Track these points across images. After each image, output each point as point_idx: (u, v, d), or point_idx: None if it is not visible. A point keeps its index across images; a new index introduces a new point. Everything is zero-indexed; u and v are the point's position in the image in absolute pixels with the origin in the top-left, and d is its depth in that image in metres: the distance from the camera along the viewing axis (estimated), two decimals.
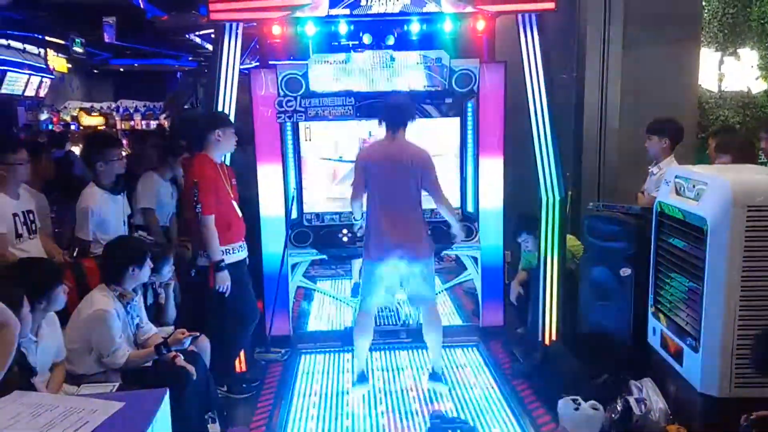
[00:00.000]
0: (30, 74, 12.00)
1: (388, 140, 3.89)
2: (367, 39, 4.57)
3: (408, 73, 4.59)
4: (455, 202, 4.78)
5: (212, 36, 5.36)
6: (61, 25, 11.18)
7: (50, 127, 13.99)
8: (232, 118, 4.37)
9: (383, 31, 4.56)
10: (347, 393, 4.16)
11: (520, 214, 4.87)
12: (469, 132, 4.74)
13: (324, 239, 4.82)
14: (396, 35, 4.58)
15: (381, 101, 4.26)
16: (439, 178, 3.91)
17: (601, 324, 4.22)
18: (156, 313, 3.96)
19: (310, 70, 4.57)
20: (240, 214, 4.15)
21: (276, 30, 4.47)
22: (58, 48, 12.59)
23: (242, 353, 4.43)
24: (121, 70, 16.67)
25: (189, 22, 10.40)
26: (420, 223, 3.91)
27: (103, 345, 3.23)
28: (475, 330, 5.11)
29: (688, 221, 3.32)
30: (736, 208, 3.05)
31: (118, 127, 14.93)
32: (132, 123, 16.15)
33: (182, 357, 3.41)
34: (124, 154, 4.87)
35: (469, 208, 4.84)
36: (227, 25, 4.40)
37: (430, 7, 4.39)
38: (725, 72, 7.67)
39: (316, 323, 5.55)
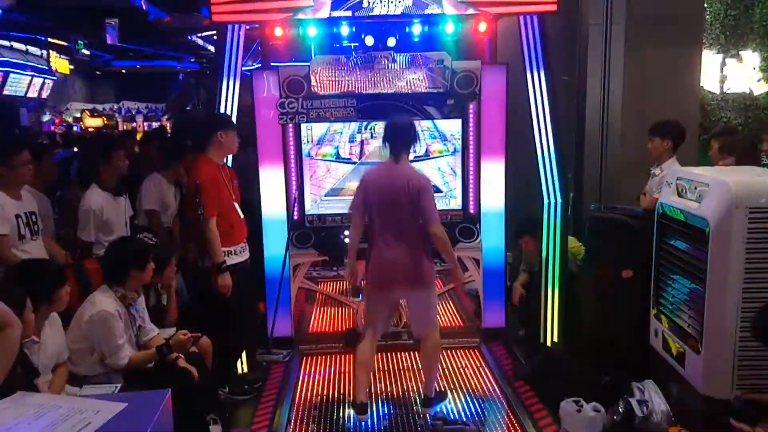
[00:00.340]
0: (32, 76, 12.05)
1: (392, 165, 3.73)
2: (369, 41, 4.57)
3: (410, 75, 4.59)
4: (457, 203, 4.80)
5: (214, 38, 5.38)
6: (64, 27, 11.22)
7: (52, 128, 14.03)
8: (234, 119, 4.38)
9: (385, 33, 4.57)
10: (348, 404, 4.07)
11: (522, 215, 4.87)
12: (471, 133, 4.75)
13: (325, 240, 4.82)
14: (398, 37, 4.58)
15: (377, 106, 4.15)
16: (440, 179, 3.88)
17: (602, 325, 4.22)
18: (158, 315, 3.97)
19: (312, 72, 4.57)
20: (242, 216, 4.16)
21: (278, 32, 4.47)
22: (60, 50, 12.64)
23: (244, 354, 4.44)
24: (124, 71, 16.73)
25: (191, 24, 10.44)
26: (420, 250, 3.72)
27: (105, 346, 3.24)
28: (477, 331, 5.11)
29: (690, 223, 3.32)
30: (738, 210, 3.05)
31: (120, 128, 14.98)
32: (134, 124, 16.20)
33: (184, 358, 3.41)
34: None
35: (471, 209, 4.84)
36: (229, 26, 4.41)
37: (432, 9, 4.39)
38: (727, 74, 7.68)
39: (317, 324, 5.55)
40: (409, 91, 4.60)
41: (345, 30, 4.52)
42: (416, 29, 4.52)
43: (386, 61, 4.57)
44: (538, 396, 4.08)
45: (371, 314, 3.87)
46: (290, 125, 4.66)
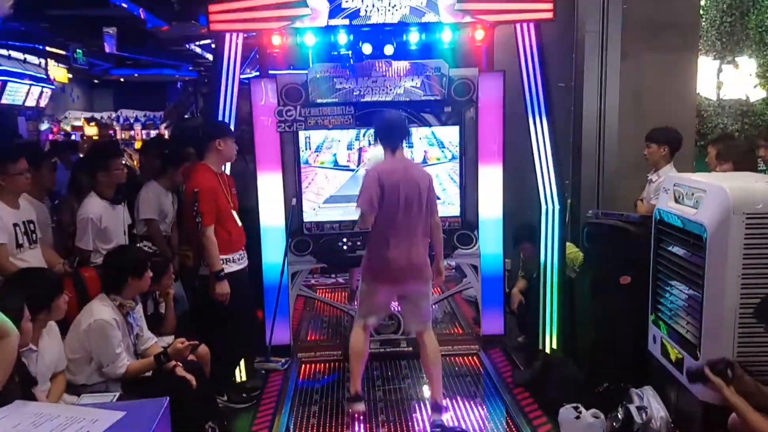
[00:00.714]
0: (31, 84, 12.04)
1: (394, 159, 3.75)
2: (366, 49, 4.59)
3: (407, 83, 4.61)
4: (455, 210, 4.81)
5: (212, 46, 5.39)
6: (62, 36, 11.23)
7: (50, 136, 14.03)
8: (232, 127, 4.39)
9: (382, 41, 4.58)
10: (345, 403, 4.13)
11: (520, 222, 4.88)
12: (469, 140, 4.76)
13: (324, 248, 4.82)
14: (395, 45, 4.60)
15: (376, 114, 4.14)
16: (438, 186, 3.90)
17: (601, 332, 4.22)
18: (156, 323, 3.96)
19: (310, 80, 4.59)
20: (240, 224, 4.16)
21: (276, 40, 4.49)
22: (58, 58, 12.63)
23: (242, 362, 4.43)
24: (122, 80, 16.72)
25: (189, 33, 10.45)
26: (425, 245, 3.78)
27: (103, 355, 3.23)
28: (476, 338, 5.11)
29: (687, 229, 3.33)
30: (735, 216, 3.05)
31: (119, 136, 14.98)
32: (132, 133, 16.21)
33: (182, 366, 3.41)
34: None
35: (469, 216, 4.85)
36: (227, 35, 4.42)
37: (429, 17, 4.41)
38: (723, 80, 7.72)
39: (316, 332, 5.54)
40: (407, 99, 4.62)
41: (342, 38, 4.53)
42: (413, 37, 4.53)
43: (384, 69, 4.58)
44: (537, 402, 4.07)
45: (369, 306, 3.87)
46: (288, 133, 4.67)
